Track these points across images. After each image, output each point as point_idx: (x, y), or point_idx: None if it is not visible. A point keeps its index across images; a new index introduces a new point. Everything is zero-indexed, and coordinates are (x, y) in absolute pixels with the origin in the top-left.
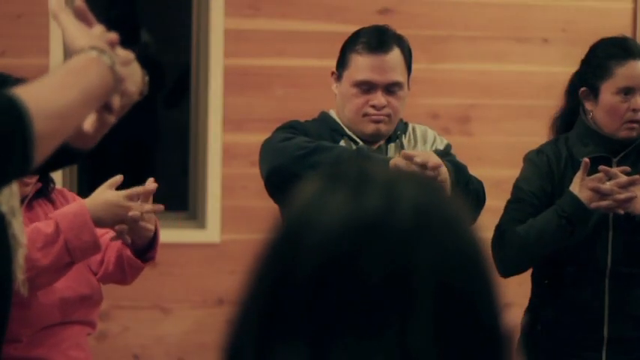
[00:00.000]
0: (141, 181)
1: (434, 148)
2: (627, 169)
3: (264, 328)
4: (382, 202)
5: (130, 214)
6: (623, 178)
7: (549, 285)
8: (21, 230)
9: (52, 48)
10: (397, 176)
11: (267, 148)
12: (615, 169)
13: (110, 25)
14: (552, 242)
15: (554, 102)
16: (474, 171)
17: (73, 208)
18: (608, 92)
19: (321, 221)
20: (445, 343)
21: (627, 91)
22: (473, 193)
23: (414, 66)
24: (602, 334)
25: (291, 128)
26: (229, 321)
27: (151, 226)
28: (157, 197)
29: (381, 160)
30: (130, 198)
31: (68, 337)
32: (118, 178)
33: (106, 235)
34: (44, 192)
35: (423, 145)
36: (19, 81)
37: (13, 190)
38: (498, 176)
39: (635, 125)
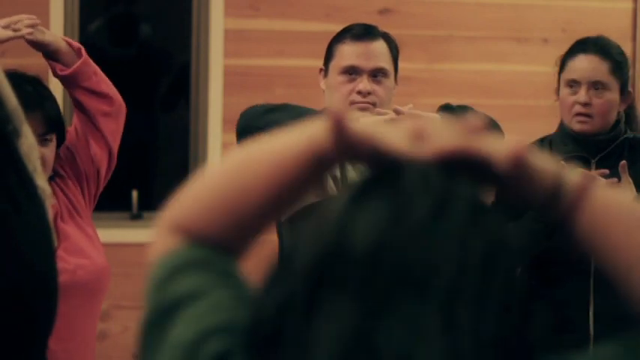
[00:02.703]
0: (140, 181)
1: None
2: (605, 171)
3: (314, 278)
4: (432, 203)
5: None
6: (601, 182)
7: (537, 284)
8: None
9: None
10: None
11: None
12: (594, 172)
13: (110, 23)
14: (530, 247)
15: (554, 102)
16: None
17: None
18: (562, 85)
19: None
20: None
21: (573, 84)
22: None
23: (414, 66)
24: (588, 334)
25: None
26: (269, 275)
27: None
28: (157, 197)
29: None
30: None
31: (71, 327)
32: None
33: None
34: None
35: None
36: (34, 79)
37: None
38: None
39: (583, 119)
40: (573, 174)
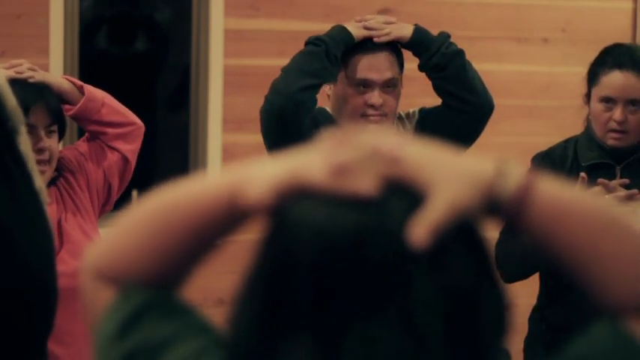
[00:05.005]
0: (140, 181)
1: (415, 119)
2: (626, 181)
3: (265, 321)
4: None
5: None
6: (622, 192)
7: (554, 285)
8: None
9: (52, 48)
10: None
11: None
12: (615, 182)
13: (112, 22)
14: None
15: (554, 102)
16: None
17: None
18: (595, 99)
19: (319, 214)
20: (450, 316)
21: (608, 101)
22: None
23: (414, 66)
24: None
25: None
26: (229, 317)
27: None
28: None
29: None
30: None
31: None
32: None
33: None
34: (53, 181)
35: (409, 125)
36: (38, 86)
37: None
38: None
39: (618, 135)
40: (514, 174)
